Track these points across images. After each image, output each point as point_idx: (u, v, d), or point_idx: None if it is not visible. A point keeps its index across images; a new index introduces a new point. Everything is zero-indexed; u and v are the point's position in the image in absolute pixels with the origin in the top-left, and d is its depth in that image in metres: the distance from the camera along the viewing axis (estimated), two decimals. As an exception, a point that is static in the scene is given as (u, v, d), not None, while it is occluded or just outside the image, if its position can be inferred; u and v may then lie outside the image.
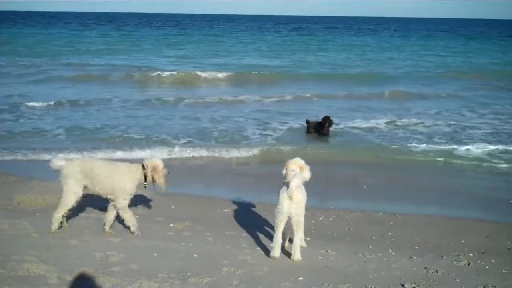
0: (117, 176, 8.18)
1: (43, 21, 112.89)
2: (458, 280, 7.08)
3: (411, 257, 7.84)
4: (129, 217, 8.41)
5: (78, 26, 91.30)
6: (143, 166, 8.27)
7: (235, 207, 9.95)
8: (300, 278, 7.03)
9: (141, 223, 8.87)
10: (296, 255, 7.58)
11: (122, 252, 7.64)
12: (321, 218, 9.48)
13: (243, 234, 8.57)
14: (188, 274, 7.04)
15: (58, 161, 8.23)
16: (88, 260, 7.35)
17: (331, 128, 16.17)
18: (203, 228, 8.72)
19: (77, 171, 8.13)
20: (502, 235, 8.84)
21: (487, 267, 7.54)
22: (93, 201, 9.85)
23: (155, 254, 7.66)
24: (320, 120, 16.32)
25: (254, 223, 9.14)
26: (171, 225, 8.87)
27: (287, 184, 7.40)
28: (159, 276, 6.94)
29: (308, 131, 16.44)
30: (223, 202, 10.12)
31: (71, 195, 8.14)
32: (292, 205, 7.36)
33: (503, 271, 7.38)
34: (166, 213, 9.46)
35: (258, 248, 8.03)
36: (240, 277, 7.03)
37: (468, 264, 7.62)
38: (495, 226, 9.35)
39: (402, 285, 6.90)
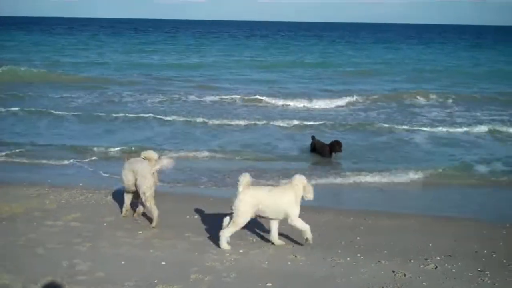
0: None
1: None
2: (425, 283, 7.13)
3: (379, 261, 7.86)
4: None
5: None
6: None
7: (204, 213, 9.88)
8: (268, 284, 7.03)
9: (109, 231, 8.83)
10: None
11: (89, 261, 7.57)
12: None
13: (212, 241, 8.51)
14: (155, 281, 7.00)
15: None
16: (54, 268, 7.28)
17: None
18: (171, 235, 8.65)
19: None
20: (469, 238, 8.90)
21: (454, 270, 7.60)
22: (60, 209, 9.76)
23: (123, 262, 7.59)
24: (323, 142, 15.47)
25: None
26: (140, 232, 8.78)
27: None
28: (126, 284, 6.90)
29: (311, 151, 15.48)
30: (192, 208, 10.04)
31: None
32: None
33: (470, 274, 7.45)
34: (135, 220, 9.35)
35: (227, 254, 7.99)
36: (208, 284, 7.01)
37: (435, 268, 7.67)
38: (463, 229, 9.40)
39: (370, 289, 6.94)
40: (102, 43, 63.01)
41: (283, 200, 8.18)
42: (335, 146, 14.78)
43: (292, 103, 23.46)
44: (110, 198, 10.50)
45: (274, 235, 8.46)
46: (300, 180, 8.33)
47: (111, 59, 42.11)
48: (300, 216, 9.81)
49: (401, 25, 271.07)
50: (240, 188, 8.05)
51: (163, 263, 7.62)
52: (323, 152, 14.98)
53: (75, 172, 12.86)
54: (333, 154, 14.87)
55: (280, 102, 23.66)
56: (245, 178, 8.08)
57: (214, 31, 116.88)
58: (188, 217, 9.67)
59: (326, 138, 15.70)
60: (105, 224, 9.15)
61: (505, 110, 22.74)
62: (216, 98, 24.28)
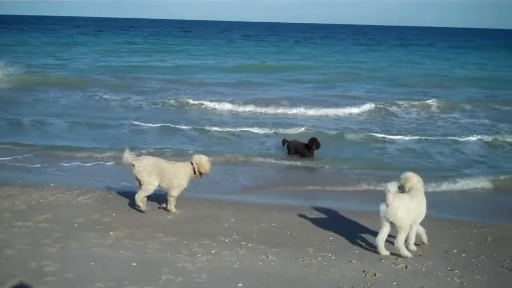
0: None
1: None
2: (395, 283, 7.20)
3: (350, 261, 7.91)
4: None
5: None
6: None
7: (178, 213, 9.86)
8: (240, 285, 7.03)
9: (79, 232, 8.73)
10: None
11: (58, 262, 7.49)
12: (264, 224, 9.48)
13: (185, 241, 8.47)
14: (125, 283, 6.95)
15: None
16: (22, 270, 7.19)
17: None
18: (143, 235, 8.60)
19: None
20: (439, 238, 8.96)
21: (423, 269, 7.68)
22: (31, 210, 9.64)
23: (92, 263, 7.52)
24: (300, 141, 15.46)
25: (195, 229, 9.08)
26: (111, 233, 8.69)
27: None
28: (95, 286, 6.84)
29: (290, 152, 15.28)
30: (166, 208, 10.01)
31: None
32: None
33: (439, 273, 7.53)
34: (107, 221, 9.27)
35: (199, 255, 7.96)
36: (179, 284, 6.99)
37: (406, 267, 7.74)
38: (434, 229, 9.43)
39: (340, 288, 6.98)
40: (79, 43, 62.24)
41: (423, 205, 8.35)
42: (314, 143, 14.91)
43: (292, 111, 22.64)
44: (81, 198, 10.38)
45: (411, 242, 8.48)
46: (418, 178, 8.46)
47: (87, 59, 41.57)
48: (271, 215, 9.90)
49: (381, 27, 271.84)
50: (390, 197, 7.98)
51: (134, 264, 7.57)
52: (304, 151, 15.02)
53: (47, 172, 12.70)
54: (314, 151, 14.95)
55: (264, 109, 22.78)
56: (394, 187, 8.05)
57: (195, 32, 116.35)
58: (161, 217, 9.62)
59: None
60: (75, 225, 9.05)
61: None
62: (197, 102, 23.44)
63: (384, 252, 8.19)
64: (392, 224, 8.10)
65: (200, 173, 9.95)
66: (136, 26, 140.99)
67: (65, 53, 46.61)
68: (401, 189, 8.36)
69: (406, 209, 8.06)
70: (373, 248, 8.38)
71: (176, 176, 9.71)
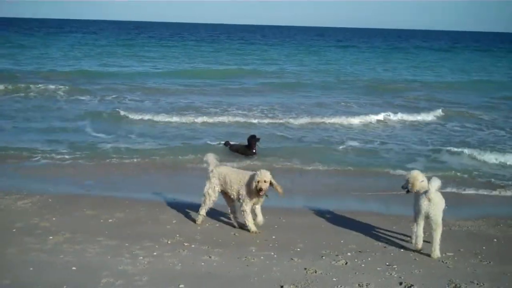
0: None
1: None
2: (335, 279, 7.33)
3: (292, 259, 8.00)
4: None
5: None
6: None
7: (119, 217, 9.75)
8: (181, 286, 7.03)
9: (18, 237, 8.54)
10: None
11: (-5, 268, 7.30)
12: (207, 224, 9.49)
13: (126, 244, 8.38)
14: (64, 287, 6.84)
15: None
16: (-44, 278, 6.97)
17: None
18: (84, 239, 8.47)
19: None
20: (379, 234, 9.20)
21: (363, 265, 7.85)
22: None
23: (31, 269, 7.37)
24: (241, 142, 15.78)
25: (137, 232, 9.01)
26: (50, 237, 8.52)
27: None
28: (33, 291, 6.69)
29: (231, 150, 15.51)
30: (106, 212, 9.87)
31: None
32: None
33: (378, 269, 7.71)
34: (46, 225, 9.09)
35: (140, 257, 7.90)
36: (119, 287, 6.91)
37: (346, 264, 7.89)
38: (374, 225, 9.68)
39: (282, 286, 7.06)
40: (27, 45, 60.28)
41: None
42: (253, 139, 15.15)
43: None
44: (20, 203, 10.15)
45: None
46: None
47: (36, 63, 40.24)
48: (215, 216, 9.88)
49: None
50: (433, 192, 8.10)
51: (73, 268, 7.45)
52: (245, 151, 15.24)
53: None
54: (256, 149, 15.16)
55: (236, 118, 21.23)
56: (437, 183, 8.18)
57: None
58: (101, 221, 9.48)
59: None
60: (14, 230, 8.84)
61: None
62: (146, 115, 21.10)
63: (420, 247, 8.38)
64: (427, 220, 8.29)
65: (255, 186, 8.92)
66: (90, 27, 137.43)
67: (11, 56, 45.02)
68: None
69: (442, 204, 8.29)
70: (313, 246, 8.54)
71: (237, 182, 9.21)
